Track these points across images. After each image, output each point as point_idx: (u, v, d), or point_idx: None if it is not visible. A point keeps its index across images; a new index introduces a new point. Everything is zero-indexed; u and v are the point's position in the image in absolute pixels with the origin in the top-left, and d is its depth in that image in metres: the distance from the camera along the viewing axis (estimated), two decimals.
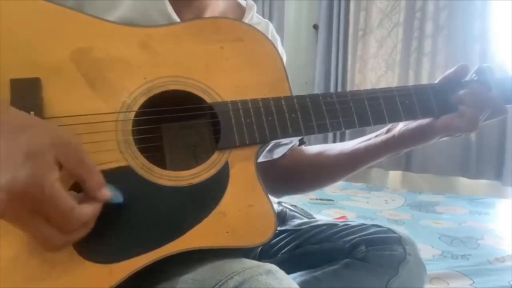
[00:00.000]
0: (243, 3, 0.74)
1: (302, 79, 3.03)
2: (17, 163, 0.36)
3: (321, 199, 2.01)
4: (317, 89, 2.95)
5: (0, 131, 0.36)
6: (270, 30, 0.77)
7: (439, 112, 0.64)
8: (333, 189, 2.27)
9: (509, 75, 0.67)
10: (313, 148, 0.82)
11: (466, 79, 0.68)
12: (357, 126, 0.60)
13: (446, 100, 0.64)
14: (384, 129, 0.71)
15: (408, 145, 0.70)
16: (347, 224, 0.78)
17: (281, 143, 0.77)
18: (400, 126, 0.69)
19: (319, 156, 0.79)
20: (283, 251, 0.79)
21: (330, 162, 0.77)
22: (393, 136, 0.69)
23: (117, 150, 0.49)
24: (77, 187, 0.42)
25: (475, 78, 0.66)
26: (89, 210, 0.41)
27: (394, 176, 2.74)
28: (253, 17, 0.73)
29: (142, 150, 0.50)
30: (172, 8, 0.60)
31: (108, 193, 0.43)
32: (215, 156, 0.53)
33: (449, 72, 0.68)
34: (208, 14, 0.66)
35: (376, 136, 0.72)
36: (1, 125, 0.37)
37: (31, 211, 0.37)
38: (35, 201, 0.37)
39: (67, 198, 0.38)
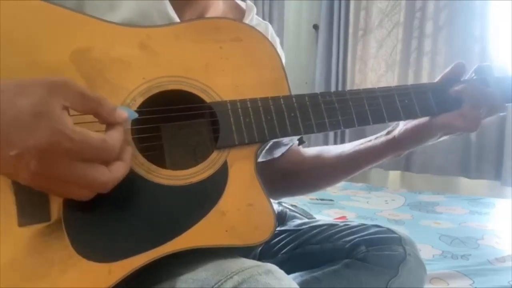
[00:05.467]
0: (243, 4, 0.74)
1: (302, 79, 3.04)
2: (30, 126, 0.37)
3: (321, 199, 2.01)
4: (317, 89, 2.95)
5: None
6: (270, 31, 0.77)
7: (438, 111, 0.64)
8: (333, 189, 2.27)
9: (508, 74, 0.67)
10: (311, 150, 0.82)
11: (466, 78, 0.68)
12: (356, 125, 0.60)
13: (445, 99, 0.64)
14: (384, 131, 0.71)
15: (408, 147, 0.70)
16: (347, 225, 0.78)
17: (281, 143, 0.77)
18: (400, 127, 0.69)
19: (318, 158, 0.79)
20: (283, 251, 0.79)
21: (329, 165, 0.76)
22: (394, 138, 0.69)
23: None
24: None
25: (474, 77, 0.66)
26: (117, 135, 0.42)
27: (394, 176, 2.75)
28: (253, 18, 0.74)
29: (142, 150, 0.50)
30: (173, 9, 0.60)
31: (123, 112, 0.44)
32: (214, 155, 0.53)
33: (447, 71, 0.68)
34: (209, 15, 0.66)
35: (376, 138, 0.71)
36: None
37: (69, 162, 0.39)
38: (67, 149, 0.38)
39: (94, 133, 0.40)
